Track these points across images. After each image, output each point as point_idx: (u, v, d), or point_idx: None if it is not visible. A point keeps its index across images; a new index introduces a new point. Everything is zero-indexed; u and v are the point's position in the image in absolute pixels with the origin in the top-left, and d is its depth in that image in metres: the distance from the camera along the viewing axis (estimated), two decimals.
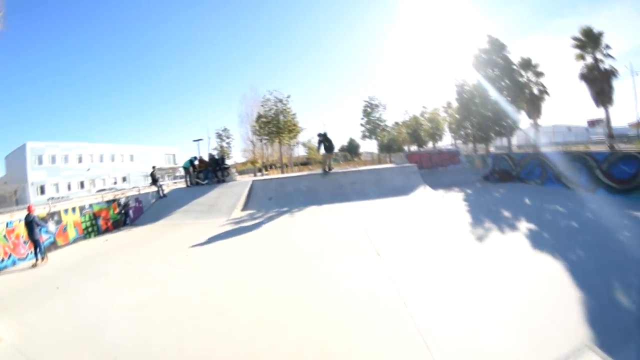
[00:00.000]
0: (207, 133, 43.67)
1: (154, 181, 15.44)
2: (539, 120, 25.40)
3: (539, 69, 23.98)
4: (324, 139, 14.87)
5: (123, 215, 12.98)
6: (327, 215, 10.60)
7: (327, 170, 15.24)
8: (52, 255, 8.76)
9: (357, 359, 3.23)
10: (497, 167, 16.45)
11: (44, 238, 8.91)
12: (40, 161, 35.18)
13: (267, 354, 3.45)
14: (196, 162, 17.20)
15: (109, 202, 12.53)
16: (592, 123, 48.04)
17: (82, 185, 38.52)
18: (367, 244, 6.91)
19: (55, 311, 5.08)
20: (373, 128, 35.36)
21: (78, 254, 8.95)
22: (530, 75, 23.95)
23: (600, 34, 20.66)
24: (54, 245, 9.64)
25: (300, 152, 53.25)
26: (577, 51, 21.57)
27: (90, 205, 11.66)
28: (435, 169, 18.06)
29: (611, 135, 20.86)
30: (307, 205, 12.63)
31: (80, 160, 39.23)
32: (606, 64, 20.85)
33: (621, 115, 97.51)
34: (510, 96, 20.78)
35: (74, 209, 10.85)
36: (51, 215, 9.94)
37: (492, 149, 25.57)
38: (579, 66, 21.79)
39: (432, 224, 8.47)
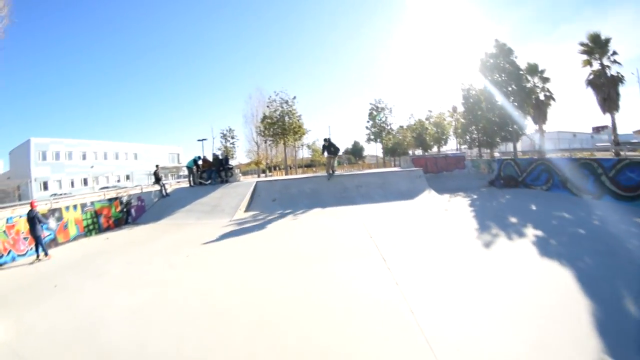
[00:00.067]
0: (211, 133, 43.79)
1: (157, 180, 15.36)
2: (545, 126, 25.23)
3: (545, 75, 23.82)
4: (329, 144, 15.01)
5: (125, 213, 12.91)
6: (331, 218, 10.48)
7: (331, 173, 15.20)
8: (52, 253, 8.67)
9: None
10: (502, 173, 16.26)
11: (45, 234, 8.85)
12: (44, 157, 35.26)
13: (267, 357, 3.34)
14: (200, 162, 17.10)
15: (110, 200, 12.47)
16: (597, 130, 47.81)
17: (85, 182, 38.53)
18: (372, 248, 6.78)
19: (53, 310, 4.97)
20: (379, 131, 35.29)
21: (78, 251, 8.87)
22: (536, 80, 23.76)
23: (607, 40, 20.44)
24: (54, 242, 9.57)
25: (304, 154, 53.29)
26: (584, 57, 21.32)
27: (92, 203, 11.59)
28: (441, 174, 17.94)
29: (617, 142, 20.60)
30: (311, 208, 12.52)
31: (84, 158, 39.29)
32: (613, 70, 20.66)
33: (626, 123, 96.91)
34: (517, 101, 20.58)
35: (75, 206, 10.78)
36: (52, 211, 9.87)
37: (496, 154, 25.37)
38: (586, 72, 21.57)
39: (438, 228, 8.32)
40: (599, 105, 21.28)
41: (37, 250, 8.28)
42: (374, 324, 3.75)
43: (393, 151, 42.42)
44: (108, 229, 11.81)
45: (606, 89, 20.52)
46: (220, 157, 17.93)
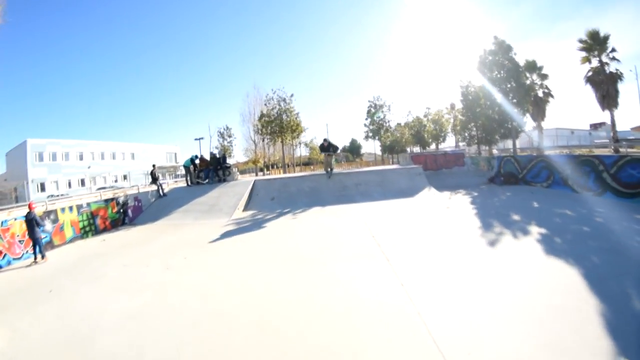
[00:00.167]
0: (209, 132, 43.51)
1: (154, 180, 15.18)
2: (543, 123, 25.21)
3: (544, 72, 23.80)
4: (329, 145, 15.01)
5: (122, 214, 12.74)
6: (331, 217, 10.36)
7: (329, 171, 15.11)
8: (48, 255, 8.50)
9: None
10: (502, 170, 16.20)
11: (42, 237, 8.68)
12: (40, 158, 34.95)
13: None
14: (197, 161, 16.92)
15: (107, 200, 12.28)
16: (595, 126, 47.98)
17: (82, 182, 38.23)
18: (374, 247, 6.67)
19: (49, 315, 4.83)
20: (377, 129, 35.19)
21: (74, 254, 8.71)
22: (535, 77, 23.73)
23: (606, 37, 20.42)
24: (50, 245, 9.39)
25: (302, 152, 53.13)
26: (583, 54, 21.32)
27: (88, 204, 11.40)
28: (440, 171, 17.87)
29: (616, 139, 20.59)
30: (310, 206, 12.40)
31: (81, 158, 38.99)
32: (612, 67, 20.65)
33: (623, 119, 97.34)
34: (516, 98, 20.51)
35: (71, 208, 10.60)
36: (47, 213, 9.69)
37: (495, 151, 25.32)
38: (584, 69, 21.59)
39: (441, 226, 8.22)
40: (598, 102, 21.29)
41: (35, 253, 8.15)
42: (379, 326, 3.64)
43: (391, 149, 42.30)
44: (105, 230, 11.65)
45: (605, 86, 20.52)
46: (218, 155, 17.76)
